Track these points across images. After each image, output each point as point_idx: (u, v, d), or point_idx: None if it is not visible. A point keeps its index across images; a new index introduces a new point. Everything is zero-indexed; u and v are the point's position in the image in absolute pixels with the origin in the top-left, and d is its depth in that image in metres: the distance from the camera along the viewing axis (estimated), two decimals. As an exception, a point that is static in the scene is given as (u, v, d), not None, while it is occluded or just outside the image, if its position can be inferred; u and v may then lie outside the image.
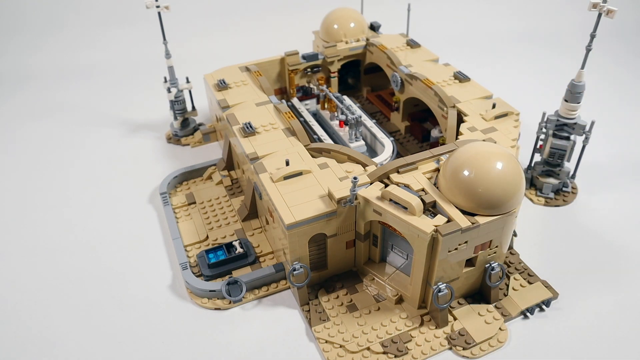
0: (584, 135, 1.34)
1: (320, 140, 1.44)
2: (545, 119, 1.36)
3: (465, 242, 1.01)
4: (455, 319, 1.09)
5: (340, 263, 1.19)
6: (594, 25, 1.22)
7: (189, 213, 1.39)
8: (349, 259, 1.20)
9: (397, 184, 1.07)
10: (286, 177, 1.15)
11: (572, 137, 1.36)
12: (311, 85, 1.76)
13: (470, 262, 1.08)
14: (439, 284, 1.04)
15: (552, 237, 1.32)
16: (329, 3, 2.09)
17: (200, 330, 1.11)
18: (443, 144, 1.44)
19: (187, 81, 1.67)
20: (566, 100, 1.32)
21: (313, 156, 1.24)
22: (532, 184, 1.46)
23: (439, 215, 1.00)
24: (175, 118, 1.70)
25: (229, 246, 1.24)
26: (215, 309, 1.15)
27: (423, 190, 1.05)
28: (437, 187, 1.06)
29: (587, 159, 1.52)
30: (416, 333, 1.06)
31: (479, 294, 1.15)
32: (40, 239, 1.36)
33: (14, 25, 2.41)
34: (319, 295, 1.15)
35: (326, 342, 1.05)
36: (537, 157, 1.55)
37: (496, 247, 1.07)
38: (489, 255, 1.08)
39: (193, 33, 2.43)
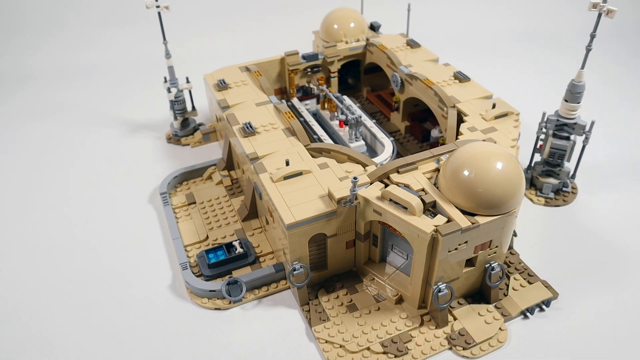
0: (584, 135, 1.34)
1: (320, 140, 1.44)
2: (545, 119, 1.36)
3: (465, 242, 1.01)
4: (455, 319, 1.09)
5: (340, 263, 1.19)
6: (594, 25, 1.22)
7: (189, 213, 1.39)
8: (349, 259, 1.20)
9: (397, 184, 1.07)
10: (286, 177, 1.15)
11: (572, 137, 1.36)
12: (311, 85, 1.76)
13: (470, 262, 1.08)
14: (439, 284, 1.04)
15: (552, 237, 1.32)
16: (329, 3, 2.09)
17: (200, 330, 1.11)
18: (443, 144, 1.44)
19: (187, 81, 1.67)
20: (566, 100, 1.32)
21: (313, 156, 1.24)
22: (532, 184, 1.46)
23: (439, 215, 1.00)
24: (175, 118, 1.70)
25: (229, 246, 1.24)
26: (215, 309, 1.15)
27: (423, 190, 1.05)
28: (437, 187, 1.06)
29: (587, 159, 1.52)
30: (416, 333, 1.06)
31: (479, 294, 1.15)
32: (40, 239, 1.36)
33: (14, 25, 2.41)
34: (319, 295, 1.15)
35: (326, 342, 1.05)
36: (537, 157, 1.55)
37: (496, 247, 1.07)
38: (489, 255, 1.08)
39: (193, 33, 2.43)
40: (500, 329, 1.07)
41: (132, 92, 2.07)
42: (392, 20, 2.10)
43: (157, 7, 1.50)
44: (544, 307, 1.13)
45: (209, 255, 1.22)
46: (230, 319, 1.13)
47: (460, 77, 1.50)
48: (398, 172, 1.11)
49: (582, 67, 1.28)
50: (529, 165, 1.47)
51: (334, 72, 1.77)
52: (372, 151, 1.50)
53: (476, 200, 0.98)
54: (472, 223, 0.98)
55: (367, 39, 1.77)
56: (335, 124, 1.55)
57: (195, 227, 1.34)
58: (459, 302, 1.12)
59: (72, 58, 2.31)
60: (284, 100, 1.49)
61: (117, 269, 1.26)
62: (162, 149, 1.70)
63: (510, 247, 1.26)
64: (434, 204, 1.03)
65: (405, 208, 1.00)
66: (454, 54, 2.22)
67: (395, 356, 1.02)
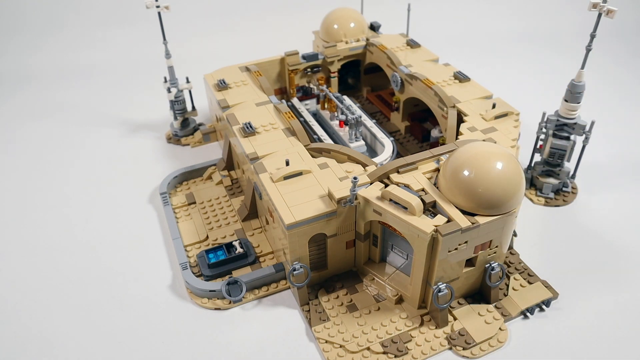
0: (584, 135, 1.34)
1: (320, 140, 1.44)
2: (545, 119, 1.36)
3: (465, 242, 1.01)
4: (455, 319, 1.09)
5: (340, 263, 1.19)
6: (594, 25, 1.22)
7: (189, 213, 1.39)
8: (349, 259, 1.20)
9: (397, 184, 1.07)
10: (286, 177, 1.15)
11: (572, 137, 1.36)
12: (311, 85, 1.76)
13: (470, 262, 1.08)
14: (439, 284, 1.04)
15: (552, 237, 1.32)
16: (329, 3, 2.09)
17: (200, 330, 1.11)
18: (443, 144, 1.44)
19: (187, 81, 1.67)
20: (566, 100, 1.32)
21: (313, 156, 1.24)
22: (532, 184, 1.46)
23: (439, 215, 1.00)
24: (175, 118, 1.70)
25: (229, 246, 1.24)
26: (215, 309, 1.15)
27: (423, 190, 1.05)
28: (437, 187, 1.06)
29: (587, 159, 1.52)
30: (416, 333, 1.06)
31: (479, 294, 1.15)
32: (40, 239, 1.36)
33: (14, 25, 2.41)
34: (319, 295, 1.15)
35: (326, 342, 1.05)
36: (537, 157, 1.55)
37: (496, 247, 1.07)
38: (489, 255, 1.08)
39: (193, 33, 2.43)
40: (500, 329, 1.07)
41: (132, 92, 2.07)
42: (392, 20, 2.10)
43: (157, 7, 1.50)
44: (544, 307, 1.13)
45: (209, 255, 1.22)
46: (230, 319, 1.13)
47: (460, 77, 1.50)
48: (398, 172, 1.11)
49: (582, 67, 1.28)
50: (529, 165, 1.47)
51: (334, 72, 1.77)
52: (372, 151, 1.50)
53: (476, 200, 0.98)
54: (472, 223, 0.98)
55: (367, 39, 1.77)
56: (335, 124, 1.55)
57: (195, 227, 1.34)
58: (459, 302, 1.12)
59: (72, 58, 2.31)
60: (284, 100, 1.49)
61: (117, 269, 1.26)
62: (162, 149, 1.70)
63: (510, 247, 1.26)
64: (434, 204, 1.03)
65: (405, 208, 1.00)
66: (454, 54, 2.22)
67: (395, 356, 1.02)
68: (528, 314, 1.11)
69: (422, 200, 1.01)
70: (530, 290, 1.15)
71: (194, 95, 1.76)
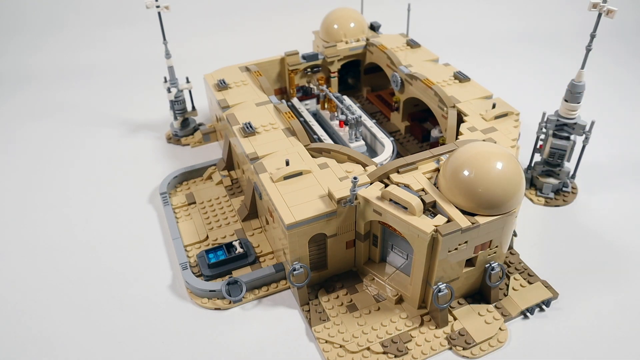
0: (584, 135, 1.34)
1: (320, 140, 1.44)
2: (545, 119, 1.36)
3: (465, 242, 1.01)
4: (455, 319, 1.09)
5: (340, 263, 1.19)
6: (594, 25, 1.22)
7: (189, 213, 1.39)
8: (349, 259, 1.20)
9: (397, 184, 1.07)
10: (286, 177, 1.15)
11: (572, 137, 1.36)
12: (311, 85, 1.76)
13: (470, 262, 1.08)
14: (439, 284, 1.04)
15: (552, 237, 1.32)
16: (329, 3, 2.09)
17: (200, 330, 1.11)
18: (443, 144, 1.44)
19: (187, 81, 1.67)
20: (566, 100, 1.32)
21: (313, 156, 1.24)
22: (532, 184, 1.46)
23: (439, 215, 1.00)
24: (175, 118, 1.70)
25: (229, 246, 1.24)
26: (215, 309, 1.15)
27: (423, 190, 1.05)
28: (437, 187, 1.06)
29: (587, 159, 1.52)
30: (416, 333, 1.06)
31: (479, 294, 1.15)
32: (40, 239, 1.36)
33: (14, 25, 2.41)
34: (319, 295, 1.15)
35: (326, 342, 1.05)
36: (537, 157, 1.55)
37: (496, 247, 1.07)
38: (489, 255, 1.08)
39: (193, 33, 2.43)
40: (500, 329, 1.07)
41: (132, 92, 2.07)
42: (392, 20, 2.10)
43: (157, 7, 1.50)
44: (544, 307, 1.13)
45: (209, 255, 1.22)
46: (230, 319, 1.13)
47: (460, 77, 1.50)
48: (398, 172, 1.11)
49: (582, 67, 1.28)
50: (529, 165, 1.47)
51: (334, 72, 1.77)
52: (372, 151, 1.50)
53: (476, 200, 0.98)
54: (472, 223, 0.98)
55: (367, 39, 1.77)
56: (335, 124, 1.55)
57: (195, 227, 1.34)
58: (459, 302, 1.12)
59: (72, 58, 2.31)
60: (284, 100, 1.49)
61: (117, 269, 1.26)
62: (162, 149, 1.70)
63: (510, 247, 1.26)
64: (434, 204, 1.03)
65: (405, 208, 1.00)
66: (454, 54, 2.22)
67: (395, 356, 1.02)
68: (528, 314, 1.11)
69: (422, 200, 1.01)
70: (530, 290, 1.15)
71: (194, 95, 1.76)
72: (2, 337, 1.10)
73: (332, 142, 1.45)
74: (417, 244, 1.00)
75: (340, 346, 1.04)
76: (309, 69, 1.74)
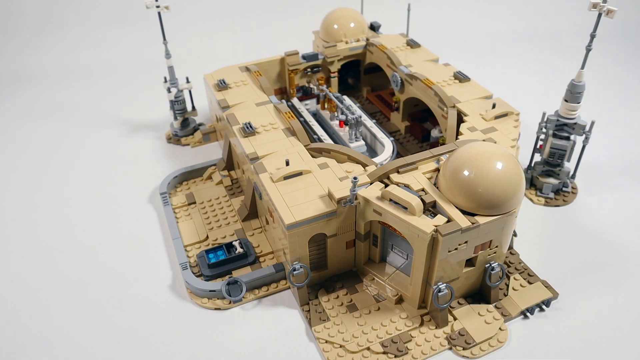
0: (584, 135, 1.34)
1: (320, 140, 1.44)
2: (545, 119, 1.36)
3: (465, 242, 1.01)
4: (455, 319, 1.09)
5: (340, 263, 1.19)
6: (594, 25, 1.22)
7: (189, 213, 1.39)
8: (349, 259, 1.20)
9: (397, 184, 1.07)
10: (286, 177, 1.15)
11: (572, 137, 1.36)
12: (311, 85, 1.76)
13: (470, 262, 1.08)
14: (439, 284, 1.04)
15: (552, 237, 1.32)
16: (329, 3, 2.09)
17: (200, 330, 1.11)
18: (443, 144, 1.44)
19: (187, 81, 1.67)
20: (566, 100, 1.32)
21: (313, 156, 1.24)
22: (532, 184, 1.46)
23: (439, 215, 1.00)
24: (175, 118, 1.70)
25: (229, 246, 1.24)
26: (215, 309, 1.15)
27: (423, 190, 1.05)
28: (437, 187, 1.06)
29: (587, 159, 1.52)
30: (416, 333, 1.06)
31: (479, 294, 1.15)
32: (40, 239, 1.36)
33: (14, 25, 2.41)
34: (319, 295, 1.15)
35: (326, 342, 1.05)
36: (537, 157, 1.55)
37: (496, 247, 1.07)
38: (489, 255, 1.08)
39: (193, 33, 2.43)
40: (500, 329, 1.07)
41: (132, 92, 2.07)
42: (392, 20, 2.10)
43: (157, 7, 1.50)
44: (544, 307, 1.13)
45: (209, 255, 1.22)
46: (230, 319, 1.13)
47: (460, 77, 1.50)
48: (398, 172, 1.11)
49: (582, 67, 1.28)
50: (529, 165, 1.47)
51: (334, 72, 1.77)
52: (372, 151, 1.50)
53: (476, 200, 0.98)
54: (472, 223, 0.98)
55: (367, 39, 1.77)
56: (335, 124, 1.55)
57: (195, 227, 1.34)
58: (459, 302, 1.12)
59: (72, 58, 2.31)
60: (284, 100, 1.49)
61: (117, 269, 1.26)
62: (162, 149, 1.70)
63: (510, 247, 1.26)
64: (434, 204, 1.03)
65: (405, 208, 1.00)
66: (454, 54, 2.22)
67: (395, 356, 1.02)
68: (528, 314, 1.11)
69: (422, 200, 1.01)
70: (530, 290, 1.15)
71: (194, 95, 1.76)
72: (2, 337, 1.10)
73: (332, 142, 1.45)
74: (417, 244, 1.00)
75: (340, 346, 1.04)
76: (309, 69, 1.74)
